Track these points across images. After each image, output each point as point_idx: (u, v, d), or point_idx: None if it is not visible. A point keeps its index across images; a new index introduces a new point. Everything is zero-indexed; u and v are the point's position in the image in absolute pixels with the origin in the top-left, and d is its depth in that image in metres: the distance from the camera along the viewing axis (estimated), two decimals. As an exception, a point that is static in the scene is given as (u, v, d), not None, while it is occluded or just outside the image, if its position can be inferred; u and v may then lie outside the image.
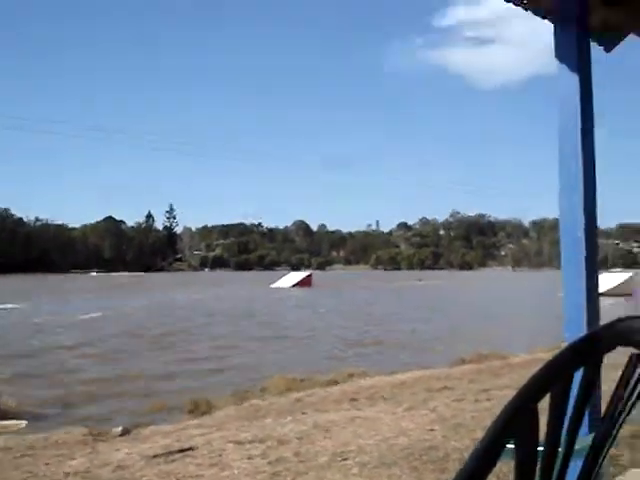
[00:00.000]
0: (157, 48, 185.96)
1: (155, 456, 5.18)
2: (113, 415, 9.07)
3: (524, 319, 25.20)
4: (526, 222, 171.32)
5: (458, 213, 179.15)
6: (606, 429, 1.51)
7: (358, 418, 6.27)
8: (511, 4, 3.02)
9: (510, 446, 1.32)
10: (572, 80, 2.70)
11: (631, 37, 3.24)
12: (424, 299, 43.12)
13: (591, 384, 1.42)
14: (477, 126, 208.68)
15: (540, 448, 1.35)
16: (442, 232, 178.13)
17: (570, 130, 2.67)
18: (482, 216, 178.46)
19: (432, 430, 5.56)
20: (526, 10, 3.08)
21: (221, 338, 19.67)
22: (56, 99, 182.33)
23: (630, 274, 52.15)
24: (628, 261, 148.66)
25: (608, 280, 48.03)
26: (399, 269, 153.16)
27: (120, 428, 6.85)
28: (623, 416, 1.51)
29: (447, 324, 24.56)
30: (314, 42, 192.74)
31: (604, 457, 1.57)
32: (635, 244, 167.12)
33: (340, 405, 7.18)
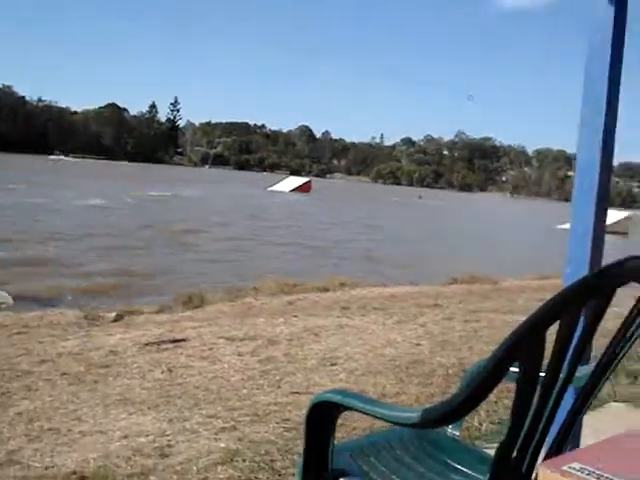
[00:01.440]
0: None
1: (147, 344, 5.28)
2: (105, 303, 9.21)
3: (518, 246, 25.40)
4: (530, 150, 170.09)
5: (463, 134, 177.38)
6: (606, 362, 1.54)
7: (347, 326, 6.37)
8: None
9: (514, 369, 1.34)
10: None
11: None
12: (423, 217, 43.32)
13: (599, 317, 1.44)
14: (498, 48, 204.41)
15: (542, 374, 1.38)
16: (446, 152, 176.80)
17: (599, 62, 2.60)
18: (487, 139, 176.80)
19: (419, 345, 5.66)
20: None
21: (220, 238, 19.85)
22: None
23: (626, 214, 52.11)
24: (627, 200, 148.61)
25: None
26: (399, 184, 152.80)
27: (114, 314, 6.95)
28: (624, 351, 1.54)
29: (442, 244, 24.72)
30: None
31: (599, 388, 1.61)
32: (636, 184, 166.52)
33: (331, 312, 7.29)
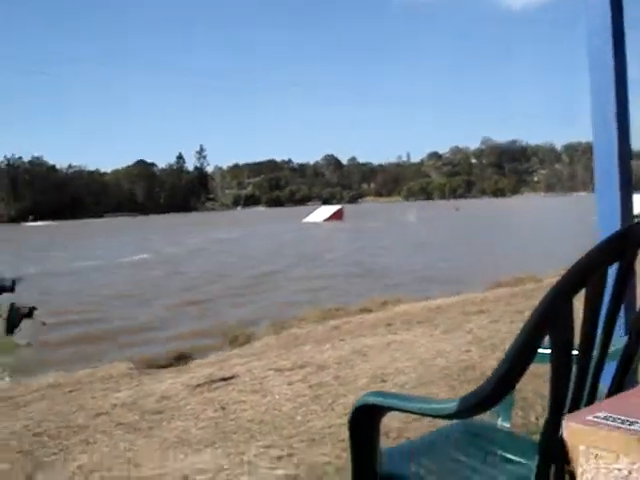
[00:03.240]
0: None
1: (198, 385, 5.31)
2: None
3: (556, 241, 25.07)
4: (559, 146, 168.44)
5: (489, 140, 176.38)
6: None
7: (394, 342, 6.34)
8: None
9: (546, 351, 1.33)
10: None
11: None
12: (465, 227, 43.07)
13: (626, 280, 1.42)
14: (507, 49, 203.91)
15: (575, 352, 1.36)
16: (474, 160, 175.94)
17: (601, 49, 2.59)
18: (514, 142, 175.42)
19: (468, 351, 5.61)
20: None
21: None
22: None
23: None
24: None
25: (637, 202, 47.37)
26: (431, 199, 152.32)
27: (163, 362, 7.01)
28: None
29: (484, 250, 24.53)
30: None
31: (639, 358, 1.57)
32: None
33: (376, 330, 7.26)
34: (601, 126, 2.60)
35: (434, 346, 5.96)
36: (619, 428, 0.71)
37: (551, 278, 11.55)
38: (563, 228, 33.88)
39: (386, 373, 5.09)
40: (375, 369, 5.27)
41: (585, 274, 1.28)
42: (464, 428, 1.94)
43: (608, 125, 2.57)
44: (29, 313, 5.90)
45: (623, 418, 0.73)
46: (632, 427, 0.70)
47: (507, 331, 6.39)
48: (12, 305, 5.77)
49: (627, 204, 2.57)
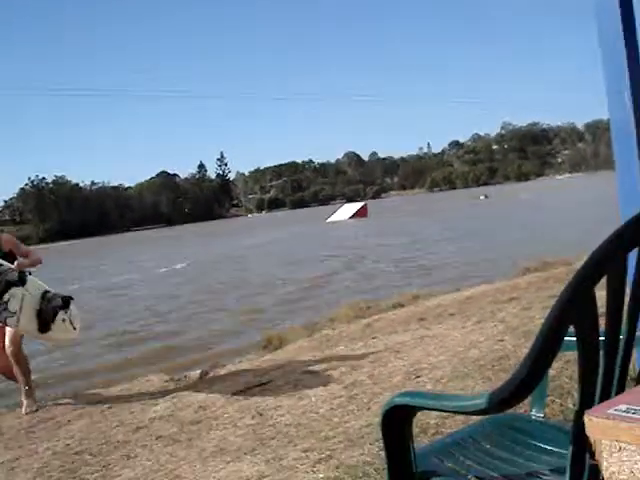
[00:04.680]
0: None
1: (234, 393, 5.35)
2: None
3: (583, 221, 24.78)
4: (580, 125, 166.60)
5: (510, 124, 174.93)
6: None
7: (427, 337, 6.32)
8: None
9: (572, 338, 1.32)
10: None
11: None
12: (490, 215, 42.79)
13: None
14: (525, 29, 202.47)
15: (601, 338, 1.36)
16: (495, 146, 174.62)
17: (613, 35, 2.57)
18: (535, 124, 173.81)
19: (502, 340, 5.57)
20: None
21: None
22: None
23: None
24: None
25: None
26: (455, 188, 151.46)
27: (199, 371, 7.04)
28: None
29: (511, 237, 24.35)
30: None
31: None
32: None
33: (408, 326, 7.25)
34: (616, 101, 2.57)
35: (467, 338, 5.93)
36: (640, 420, 0.71)
37: (581, 261, 11.47)
38: (589, 208, 33.48)
39: (420, 368, 5.08)
40: (409, 365, 5.26)
41: (603, 262, 1.28)
42: (497, 421, 1.93)
43: (621, 96, 2.54)
44: (64, 304, 5.79)
45: (646, 409, 0.73)
46: (653, 419, 0.71)
47: (540, 317, 6.34)
48: (44, 293, 5.69)
49: None
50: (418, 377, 4.86)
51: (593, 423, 0.74)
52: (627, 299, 1.39)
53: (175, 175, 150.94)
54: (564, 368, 4.03)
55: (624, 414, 0.73)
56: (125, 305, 18.82)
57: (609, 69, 2.62)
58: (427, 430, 3.45)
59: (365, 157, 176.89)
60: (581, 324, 1.29)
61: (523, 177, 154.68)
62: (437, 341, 6.05)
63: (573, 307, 1.26)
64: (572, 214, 32.58)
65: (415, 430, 3.37)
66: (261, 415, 4.60)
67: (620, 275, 1.32)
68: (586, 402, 1.33)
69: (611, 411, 0.74)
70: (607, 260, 1.28)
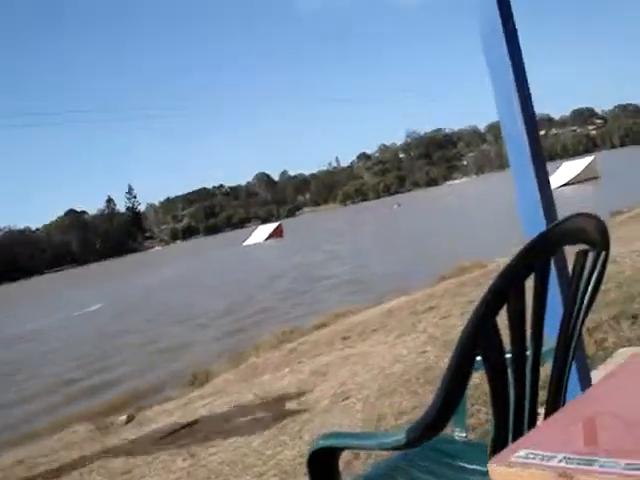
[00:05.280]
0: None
1: (163, 436, 5.26)
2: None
3: (492, 221, 25.48)
4: (482, 128, 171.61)
5: (414, 132, 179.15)
6: (567, 327, 1.56)
7: (352, 355, 6.37)
8: None
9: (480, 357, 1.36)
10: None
11: None
12: (400, 224, 43.40)
13: (544, 287, 1.47)
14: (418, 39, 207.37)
15: (508, 355, 1.41)
16: (402, 155, 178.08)
17: (493, 33, 2.65)
18: (438, 130, 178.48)
19: (425, 352, 5.67)
20: None
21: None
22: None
23: (592, 158, 52.67)
24: (589, 145, 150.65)
25: (572, 168, 48.59)
26: (367, 200, 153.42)
27: (125, 416, 6.89)
28: (583, 311, 1.56)
29: (424, 243, 24.77)
30: None
31: (574, 352, 1.62)
32: (591, 127, 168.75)
33: (333, 346, 7.29)
34: (503, 103, 2.63)
35: (391, 352, 6.01)
36: (539, 465, 0.74)
37: (497, 261, 11.77)
38: (494, 205, 34.38)
39: (348, 389, 5.11)
40: (337, 387, 5.29)
41: (504, 292, 1.32)
42: (422, 446, 1.97)
43: (509, 97, 2.60)
44: None
45: (542, 454, 0.76)
46: (550, 463, 0.74)
47: (459, 324, 6.48)
48: None
49: (542, 174, 2.60)
50: (346, 399, 4.89)
51: (496, 472, 0.77)
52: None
53: (83, 212, 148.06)
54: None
55: (524, 460, 0.76)
56: (38, 353, 18.25)
57: (494, 71, 2.68)
58: (358, 456, 3.47)
59: (276, 177, 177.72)
60: (487, 353, 1.33)
61: (432, 182, 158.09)
62: (362, 359, 6.11)
63: (478, 338, 1.31)
64: (478, 215, 33.46)
65: (349, 457, 3.40)
66: (193, 456, 4.54)
67: (520, 301, 1.37)
68: (500, 430, 1.38)
69: (513, 458, 0.78)
70: (507, 289, 1.33)
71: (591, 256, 1.47)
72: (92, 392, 10.93)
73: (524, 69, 2.65)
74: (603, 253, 1.46)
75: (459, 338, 1.31)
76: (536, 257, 1.42)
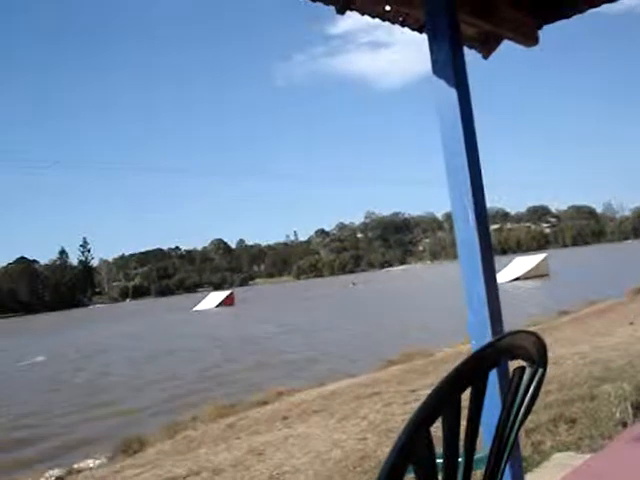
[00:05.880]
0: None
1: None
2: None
3: (443, 310, 25.64)
4: (439, 215, 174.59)
5: (373, 213, 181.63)
6: (502, 436, 1.58)
7: (291, 436, 6.29)
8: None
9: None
10: (449, 92, 2.78)
11: (506, 43, 3.38)
12: (356, 304, 43.36)
13: (480, 400, 1.49)
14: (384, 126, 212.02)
15: (439, 460, 1.42)
16: (360, 234, 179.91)
17: (452, 135, 2.75)
18: (397, 214, 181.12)
19: (364, 439, 5.63)
20: (402, 26, 3.18)
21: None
22: None
23: (544, 255, 53.92)
24: (542, 242, 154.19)
25: (524, 264, 49.67)
26: (322, 276, 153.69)
27: (53, 479, 6.68)
28: (518, 423, 1.59)
29: (377, 326, 24.71)
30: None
31: (506, 460, 1.64)
32: (545, 225, 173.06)
33: (272, 425, 7.18)
34: (457, 202, 2.71)
35: (330, 437, 5.95)
36: None
37: (445, 350, 11.83)
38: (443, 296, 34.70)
39: (283, 472, 5.03)
40: (272, 468, 5.20)
41: (439, 405, 1.34)
42: None
43: (462, 194, 2.68)
44: None
45: None
46: None
47: (401, 413, 6.46)
48: None
49: (490, 271, 2.65)
50: (281, 482, 4.81)
51: None
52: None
53: (35, 261, 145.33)
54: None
55: None
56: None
57: (451, 174, 2.77)
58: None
59: (232, 244, 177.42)
60: (419, 465, 1.34)
61: (387, 264, 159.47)
62: (300, 441, 6.03)
63: (411, 450, 1.31)
64: (427, 301, 33.69)
65: None
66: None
67: (455, 414, 1.38)
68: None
69: None
70: (443, 403, 1.35)
71: (528, 372, 1.49)
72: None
73: (480, 172, 2.75)
74: (540, 371, 1.49)
75: (392, 447, 1.32)
76: (474, 373, 1.44)
